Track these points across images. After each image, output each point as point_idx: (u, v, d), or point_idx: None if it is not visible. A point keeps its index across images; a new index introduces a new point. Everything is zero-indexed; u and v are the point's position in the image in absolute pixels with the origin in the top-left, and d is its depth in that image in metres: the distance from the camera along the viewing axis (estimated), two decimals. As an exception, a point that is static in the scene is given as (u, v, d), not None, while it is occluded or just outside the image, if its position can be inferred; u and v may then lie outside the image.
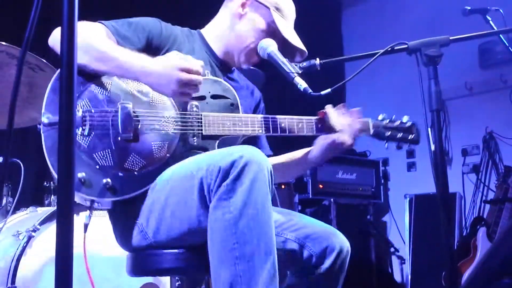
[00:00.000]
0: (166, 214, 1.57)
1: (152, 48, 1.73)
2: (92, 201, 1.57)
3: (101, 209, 1.87)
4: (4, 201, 2.48)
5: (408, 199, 4.59)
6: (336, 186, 4.34)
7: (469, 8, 2.90)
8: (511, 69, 4.37)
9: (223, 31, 1.90)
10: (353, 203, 4.51)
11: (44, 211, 2.38)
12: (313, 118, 1.82)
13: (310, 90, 1.64)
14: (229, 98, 1.76)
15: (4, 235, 2.25)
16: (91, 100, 1.60)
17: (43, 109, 1.59)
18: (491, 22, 2.85)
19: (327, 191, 4.28)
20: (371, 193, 4.60)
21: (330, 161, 4.42)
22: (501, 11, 2.83)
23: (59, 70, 1.59)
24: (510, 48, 2.93)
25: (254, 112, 2.00)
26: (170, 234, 1.59)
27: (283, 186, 3.52)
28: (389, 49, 1.67)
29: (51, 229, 2.22)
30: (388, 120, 1.93)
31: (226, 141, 1.73)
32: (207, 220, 1.49)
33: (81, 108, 1.58)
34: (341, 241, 1.80)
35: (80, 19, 1.03)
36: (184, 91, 1.59)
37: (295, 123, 1.78)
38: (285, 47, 1.86)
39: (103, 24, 1.69)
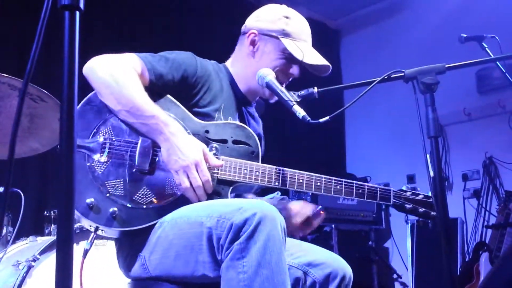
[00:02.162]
0: (170, 254, 1.56)
1: (186, 84, 1.75)
2: (97, 227, 1.57)
3: (104, 237, 1.87)
4: (4, 230, 2.48)
5: (409, 224, 4.57)
6: (337, 212, 4.33)
7: (465, 35, 2.94)
8: (509, 94, 4.40)
9: (242, 70, 1.91)
10: (354, 229, 4.50)
11: (44, 240, 2.38)
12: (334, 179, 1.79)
13: (309, 118, 1.64)
14: (250, 146, 1.75)
15: (4, 265, 2.25)
16: (114, 128, 1.63)
17: None
18: (487, 49, 2.88)
19: (328, 217, 4.27)
20: (373, 218, 4.59)
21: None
22: (497, 38, 2.86)
23: (91, 93, 1.66)
24: (507, 74, 2.96)
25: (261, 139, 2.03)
26: (170, 273, 1.58)
27: (284, 213, 3.51)
28: (386, 77, 1.69)
29: (51, 259, 2.21)
30: (411, 192, 1.87)
31: (241, 188, 1.73)
32: (212, 268, 1.49)
33: (102, 134, 1.61)
34: (344, 268, 1.81)
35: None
36: (183, 178, 1.59)
37: (314, 180, 1.75)
38: (301, 67, 1.89)
39: (140, 58, 1.69)
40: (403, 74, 1.68)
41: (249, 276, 1.39)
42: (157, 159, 1.63)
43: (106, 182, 1.58)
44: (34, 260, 2.15)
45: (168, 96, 1.73)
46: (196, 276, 1.53)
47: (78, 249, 2.21)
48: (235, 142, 1.73)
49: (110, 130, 1.63)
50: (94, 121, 1.63)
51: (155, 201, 1.61)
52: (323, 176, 1.77)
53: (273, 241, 1.42)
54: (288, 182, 1.72)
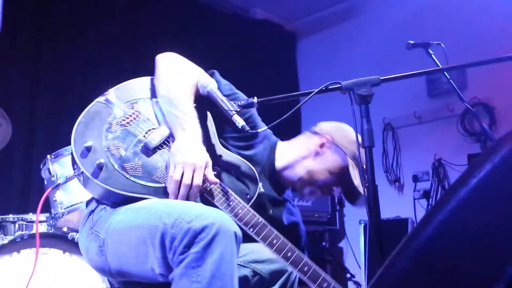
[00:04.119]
0: (124, 240, 1.59)
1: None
2: (83, 173, 1.63)
3: (46, 245, 1.84)
4: None
5: (363, 224, 4.68)
6: (292, 213, 4.38)
7: (412, 42, 3.03)
8: (457, 98, 4.52)
9: (295, 157, 1.96)
10: (309, 230, 4.56)
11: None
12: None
13: (248, 128, 1.68)
14: (249, 189, 1.79)
15: None
16: (147, 107, 1.80)
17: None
18: (433, 56, 2.98)
19: (283, 218, 4.32)
20: (327, 219, 4.67)
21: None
22: (443, 45, 2.96)
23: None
24: (451, 81, 3.08)
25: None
26: (121, 260, 1.60)
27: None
28: (323, 88, 1.74)
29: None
30: None
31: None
32: (159, 264, 1.50)
33: (136, 106, 1.78)
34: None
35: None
36: (178, 171, 1.62)
37: (286, 249, 1.70)
38: (347, 190, 1.94)
39: (212, 72, 1.87)
40: (340, 85, 1.73)
41: (202, 286, 1.41)
42: (164, 147, 1.73)
43: (112, 140, 1.68)
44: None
45: (209, 115, 1.84)
46: (145, 268, 1.54)
47: (20, 257, 2.20)
48: (238, 178, 1.78)
49: (144, 107, 1.79)
50: (137, 94, 1.81)
51: (139, 177, 1.66)
52: (297, 250, 1.71)
53: (229, 253, 1.45)
54: (262, 235, 1.70)
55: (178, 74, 1.78)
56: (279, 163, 1.97)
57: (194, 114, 1.73)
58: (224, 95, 1.77)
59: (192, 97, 1.75)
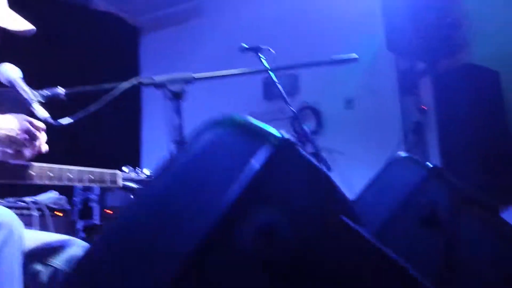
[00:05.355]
0: None
1: None
2: None
3: None
4: None
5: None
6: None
7: (245, 45, 3.17)
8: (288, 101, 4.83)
9: None
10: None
11: None
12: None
13: (51, 120, 1.59)
14: None
15: None
16: None
17: None
18: (262, 59, 3.14)
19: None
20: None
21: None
22: (272, 50, 3.14)
23: None
24: (278, 84, 3.27)
25: None
26: None
27: (60, 214, 3.37)
28: (136, 82, 1.73)
29: None
30: (134, 173, 1.97)
31: None
32: None
33: None
34: (82, 246, 1.79)
35: None
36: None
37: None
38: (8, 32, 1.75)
39: None
40: (153, 81, 1.73)
41: None
42: None
43: None
44: None
45: None
46: None
47: None
48: None
49: None
50: None
51: None
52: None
53: (9, 247, 1.38)
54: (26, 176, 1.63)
55: None
56: None
57: None
58: None
59: None
